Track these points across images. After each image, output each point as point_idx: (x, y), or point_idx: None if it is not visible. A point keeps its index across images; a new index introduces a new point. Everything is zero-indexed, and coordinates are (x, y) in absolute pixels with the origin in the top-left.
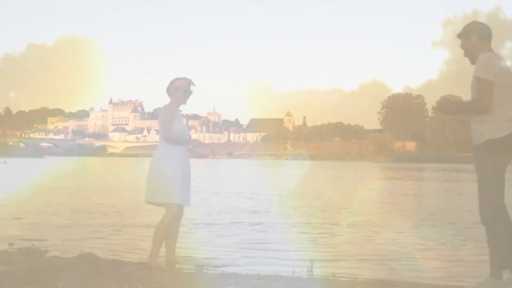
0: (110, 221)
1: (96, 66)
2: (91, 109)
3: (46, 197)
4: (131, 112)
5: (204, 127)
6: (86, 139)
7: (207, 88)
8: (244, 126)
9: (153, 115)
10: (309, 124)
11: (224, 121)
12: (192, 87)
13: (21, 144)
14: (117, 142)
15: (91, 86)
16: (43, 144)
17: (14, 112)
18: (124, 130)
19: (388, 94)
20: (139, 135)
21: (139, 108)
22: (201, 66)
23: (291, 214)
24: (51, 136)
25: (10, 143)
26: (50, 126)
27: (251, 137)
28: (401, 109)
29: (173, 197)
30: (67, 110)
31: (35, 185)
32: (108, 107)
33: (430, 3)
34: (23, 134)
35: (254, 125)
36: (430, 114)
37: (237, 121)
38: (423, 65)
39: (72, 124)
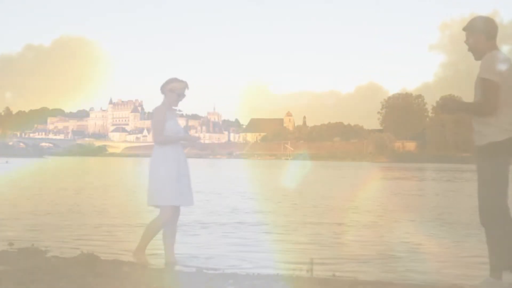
0: (110, 221)
1: (94, 66)
2: (91, 109)
3: (46, 197)
4: (131, 112)
5: (204, 127)
6: (86, 139)
7: (207, 88)
8: (244, 126)
9: (153, 115)
10: (309, 124)
11: (224, 121)
12: (190, 88)
13: (21, 144)
14: (117, 142)
15: (88, 86)
16: (43, 144)
17: (14, 112)
18: (124, 130)
19: (384, 97)
20: (139, 135)
21: (139, 108)
22: (201, 66)
23: (293, 214)
24: (51, 136)
25: (10, 143)
26: (50, 126)
27: (251, 137)
28: (401, 109)
29: (165, 200)
30: (67, 110)
31: (35, 185)
32: (108, 107)
33: (429, 4)
34: (23, 134)
35: (254, 125)
36: (430, 114)
37: (237, 121)
38: (420, 67)
39: (72, 124)
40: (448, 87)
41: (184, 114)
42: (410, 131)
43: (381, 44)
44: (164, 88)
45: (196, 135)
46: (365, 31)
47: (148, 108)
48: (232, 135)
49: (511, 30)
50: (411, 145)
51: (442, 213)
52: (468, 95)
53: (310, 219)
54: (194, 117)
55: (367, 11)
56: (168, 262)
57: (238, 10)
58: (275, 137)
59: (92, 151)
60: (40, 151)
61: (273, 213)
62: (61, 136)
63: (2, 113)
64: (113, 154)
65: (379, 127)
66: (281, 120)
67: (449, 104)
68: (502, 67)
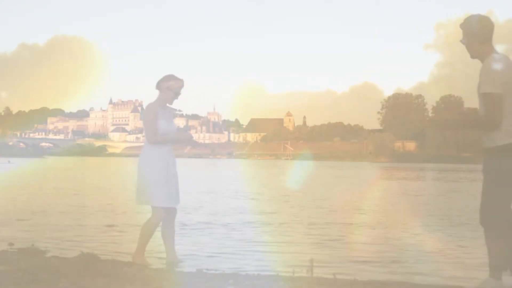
0: (110, 221)
1: (91, 65)
2: (91, 109)
3: (46, 197)
4: (131, 112)
5: (204, 127)
6: (86, 139)
7: (207, 88)
8: (244, 126)
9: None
10: (309, 124)
11: (224, 121)
12: (191, 88)
13: (21, 144)
14: (117, 142)
15: (84, 85)
16: (43, 144)
17: (14, 112)
18: (124, 130)
19: (379, 96)
20: (139, 135)
21: (139, 108)
22: (201, 66)
23: (295, 214)
24: (51, 136)
25: (10, 143)
26: (50, 126)
27: (251, 137)
28: (401, 109)
29: (156, 201)
30: (67, 110)
31: (35, 185)
32: (108, 107)
33: (424, 4)
34: (23, 134)
35: (254, 125)
36: (430, 114)
37: (237, 121)
38: (416, 66)
39: (72, 124)
40: (445, 87)
41: (184, 114)
42: (410, 131)
43: (377, 43)
44: (160, 85)
45: (196, 135)
46: (361, 30)
47: None
48: (232, 135)
49: (506, 30)
50: (411, 145)
51: (448, 214)
52: (466, 94)
53: (313, 220)
54: (194, 117)
55: (364, 12)
56: (169, 262)
57: (237, 10)
58: (275, 137)
59: (92, 151)
60: (40, 151)
61: (276, 214)
62: (61, 136)
63: (2, 113)
64: (113, 154)
65: (379, 127)
66: (281, 120)
67: (451, 124)
68: (504, 72)
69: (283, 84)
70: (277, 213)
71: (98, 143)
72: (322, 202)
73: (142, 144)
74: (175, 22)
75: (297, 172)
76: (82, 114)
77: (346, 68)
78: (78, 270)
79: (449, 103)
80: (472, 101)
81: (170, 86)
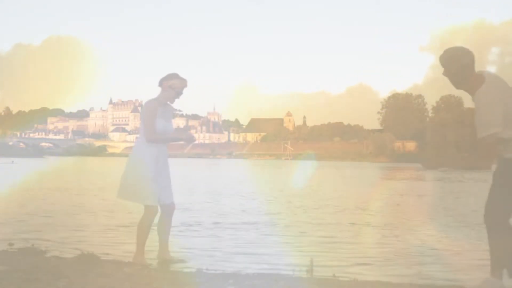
0: (110, 221)
1: (87, 65)
2: (91, 109)
3: (46, 197)
4: (131, 112)
5: (204, 127)
6: (86, 139)
7: (207, 88)
8: (244, 126)
9: (143, 109)
10: (309, 124)
11: (224, 121)
12: (190, 88)
13: (21, 144)
14: (117, 142)
15: (82, 85)
16: (43, 144)
17: (14, 112)
18: (124, 130)
19: (375, 97)
20: (139, 135)
21: (139, 108)
22: (201, 66)
23: (297, 214)
24: (51, 136)
25: (10, 143)
26: (50, 126)
27: (251, 137)
28: (401, 109)
29: (147, 199)
30: (67, 110)
31: (35, 185)
32: (108, 107)
33: (420, 5)
34: (23, 134)
35: (254, 125)
36: (430, 114)
37: (237, 121)
38: (410, 68)
39: (72, 124)
40: (442, 87)
41: (184, 114)
42: (410, 131)
43: (373, 44)
44: (163, 83)
45: (196, 135)
46: (363, 31)
47: None
48: (232, 135)
49: (501, 32)
50: (411, 145)
51: (455, 214)
52: (466, 94)
53: (317, 220)
54: (194, 117)
55: (361, 12)
56: (160, 258)
57: (237, 10)
58: (275, 137)
59: (92, 151)
60: (40, 151)
61: (278, 214)
62: (61, 136)
63: (2, 113)
64: (113, 154)
65: (379, 127)
66: (281, 120)
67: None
68: (500, 100)
69: (283, 84)
70: (281, 213)
71: (98, 143)
72: (327, 202)
73: None
74: (175, 22)
75: (301, 172)
76: (82, 114)
77: (341, 68)
78: (78, 270)
79: (449, 103)
80: (472, 102)
81: (172, 85)
